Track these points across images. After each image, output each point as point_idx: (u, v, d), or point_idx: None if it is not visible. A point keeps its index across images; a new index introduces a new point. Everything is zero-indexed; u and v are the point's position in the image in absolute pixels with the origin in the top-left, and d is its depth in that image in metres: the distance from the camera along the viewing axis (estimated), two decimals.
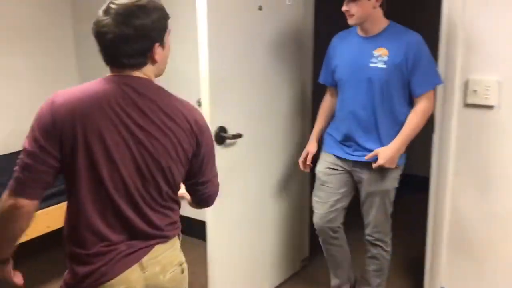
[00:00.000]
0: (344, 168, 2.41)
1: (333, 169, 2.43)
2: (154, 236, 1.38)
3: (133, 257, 1.34)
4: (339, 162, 2.41)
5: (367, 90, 2.23)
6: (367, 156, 2.24)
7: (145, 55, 1.32)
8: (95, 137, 1.25)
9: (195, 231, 3.17)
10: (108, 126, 1.26)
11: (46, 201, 2.64)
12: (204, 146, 1.42)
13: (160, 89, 1.37)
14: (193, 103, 2.98)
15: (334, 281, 2.65)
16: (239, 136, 2.31)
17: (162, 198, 1.38)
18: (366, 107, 2.25)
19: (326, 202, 2.45)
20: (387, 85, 2.20)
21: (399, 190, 2.44)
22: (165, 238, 1.42)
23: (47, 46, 3.68)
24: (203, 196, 1.53)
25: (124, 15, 1.25)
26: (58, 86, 3.36)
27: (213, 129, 2.17)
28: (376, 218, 2.39)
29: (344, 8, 2.17)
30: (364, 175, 2.34)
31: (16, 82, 3.53)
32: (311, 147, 2.51)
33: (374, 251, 2.48)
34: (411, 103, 2.25)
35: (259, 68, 2.51)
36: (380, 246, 2.45)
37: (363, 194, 2.40)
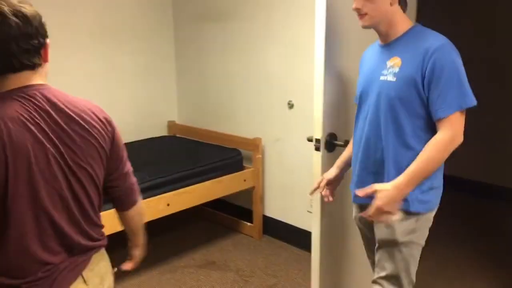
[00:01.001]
0: None
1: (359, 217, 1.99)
2: (91, 247, 1.38)
3: (74, 272, 1.33)
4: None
5: (375, 110, 1.78)
6: (361, 192, 1.72)
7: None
8: (24, 159, 1.19)
9: (299, 241, 3.24)
10: (33, 144, 1.20)
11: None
12: (117, 139, 1.43)
13: (63, 93, 1.32)
14: (284, 104, 2.98)
15: None
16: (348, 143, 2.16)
17: (92, 207, 1.37)
18: (372, 133, 1.80)
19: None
20: (397, 104, 1.70)
21: None
22: (99, 248, 1.42)
23: (150, 46, 3.92)
24: (131, 186, 1.52)
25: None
26: (158, 84, 3.65)
27: (323, 136, 2.15)
28: (388, 272, 1.83)
29: (354, 5, 1.73)
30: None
31: (122, 79, 3.78)
32: (328, 172, 2.07)
33: None
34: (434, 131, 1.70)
35: None
36: None
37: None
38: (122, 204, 1.53)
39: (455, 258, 3.26)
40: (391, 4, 1.70)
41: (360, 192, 1.71)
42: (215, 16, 3.68)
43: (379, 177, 1.78)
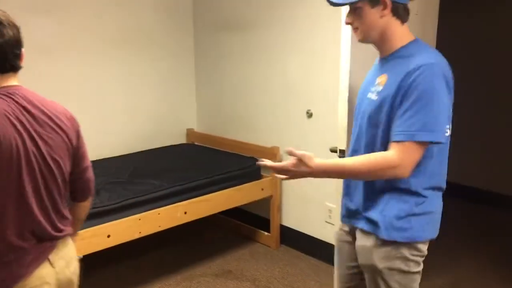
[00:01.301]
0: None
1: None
2: (58, 237, 1.50)
3: (42, 256, 1.45)
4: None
5: (359, 129, 1.70)
6: (262, 163, 1.62)
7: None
8: (10, 152, 1.31)
9: (317, 251, 3.21)
10: (15, 137, 1.33)
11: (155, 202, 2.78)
12: (81, 136, 1.57)
13: (35, 93, 1.48)
14: (303, 113, 2.95)
15: None
16: None
17: (61, 198, 1.50)
18: (356, 152, 1.70)
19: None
20: (374, 123, 1.59)
21: None
22: (66, 236, 1.54)
23: (170, 54, 3.95)
24: (88, 181, 1.67)
25: None
26: (178, 91, 3.68)
27: (346, 147, 2.08)
28: None
29: (346, 20, 1.65)
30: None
31: (142, 87, 3.82)
32: (313, 158, 1.61)
33: None
34: None
35: None
36: None
37: None
38: (82, 196, 1.67)
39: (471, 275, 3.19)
40: (382, 17, 1.56)
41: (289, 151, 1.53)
42: (235, 25, 3.69)
43: (355, 189, 1.70)
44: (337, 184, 3.09)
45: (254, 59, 3.59)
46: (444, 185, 1.64)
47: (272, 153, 3.40)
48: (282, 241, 3.54)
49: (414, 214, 1.57)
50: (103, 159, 3.48)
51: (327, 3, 1.64)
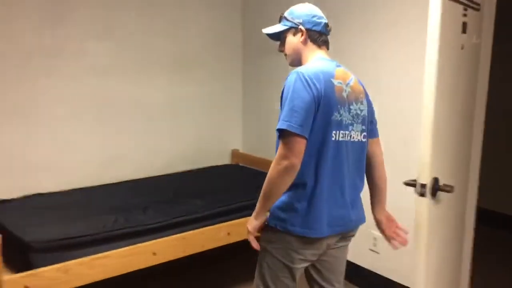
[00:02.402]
0: None
1: None
2: None
3: None
4: None
5: None
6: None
7: None
8: None
9: (359, 279, 3.12)
10: None
11: None
12: None
13: None
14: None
15: None
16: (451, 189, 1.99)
17: None
18: None
19: None
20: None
21: None
22: None
23: (218, 77, 4.03)
24: None
25: None
26: (224, 113, 3.78)
27: (431, 180, 1.94)
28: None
29: (278, 49, 2.00)
30: None
31: (189, 108, 3.90)
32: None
33: None
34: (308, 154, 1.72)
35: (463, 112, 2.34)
36: None
37: None
38: None
39: None
40: (300, 42, 1.87)
41: None
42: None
43: None
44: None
45: None
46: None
47: None
48: None
49: (292, 209, 1.78)
50: (149, 177, 3.56)
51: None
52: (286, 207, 1.78)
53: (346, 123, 1.77)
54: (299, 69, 1.75)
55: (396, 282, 3.03)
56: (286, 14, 1.92)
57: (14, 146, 3.05)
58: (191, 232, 2.73)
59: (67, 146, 3.28)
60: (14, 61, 2.99)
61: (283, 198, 1.78)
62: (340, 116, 1.75)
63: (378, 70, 2.99)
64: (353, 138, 1.82)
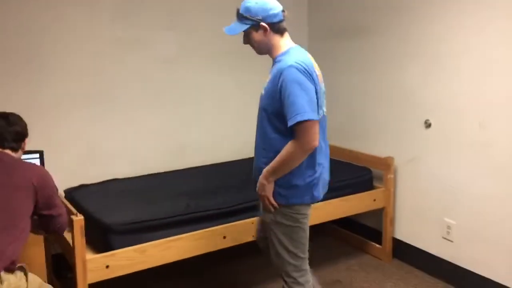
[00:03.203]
0: None
1: None
2: None
3: None
4: None
5: (259, 117, 2.22)
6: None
7: None
8: None
9: (432, 268, 3.11)
10: None
11: None
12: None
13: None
14: (421, 123, 2.83)
15: None
16: None
17: None
18: (256, 134, 2.24)
19: None
20: (263, 112, 2.14)
21: None
22: None
23: None
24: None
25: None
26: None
27: None
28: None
29: (243, 41, 2.17)
30: None
31: (252, 97, 3.75)
32: None
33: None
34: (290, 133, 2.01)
35: None
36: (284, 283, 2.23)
37: None
38: None
39: None
40: (264, 35, 2.07)
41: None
42: (350, 32, 3.66)
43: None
44: (460, 199, 2.93)
45: (369, 67, 3.52)
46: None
47: (386, 164, 3.31)
48: (395, 254, 3.42)
49: (291, 186, 2.09)
50: (219, 163, 3.65)
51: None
52: (288, 185, 2.07)
53: (321, 101, 2.11)
54: (293, 62, 1.98)
55: (470, 271, 2.92)
56: (243, 11, 2.07)
57: (92, 135, 3.23)
58: (259, 217, 2.77)
59: (141, 133, 3.42)
60: (92, 52, 3.16)
61: (290, 178, 2.06)
62: (321, 97, 2.09)
63: None
64: (324, 112, 2.17)
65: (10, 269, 1.86)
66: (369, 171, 3.42)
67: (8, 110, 2.22)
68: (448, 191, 3.01)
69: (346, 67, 3.74)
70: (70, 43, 3.07)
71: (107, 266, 2.33)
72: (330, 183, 2.30)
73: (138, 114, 3.39)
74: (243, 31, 2.10)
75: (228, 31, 2.12)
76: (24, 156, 2.53)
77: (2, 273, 1.81)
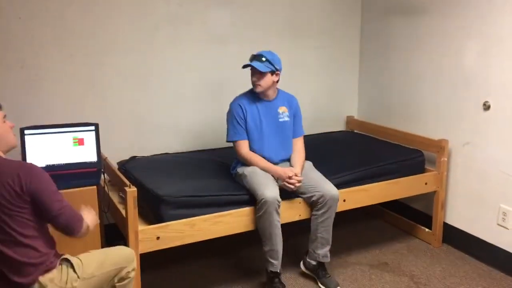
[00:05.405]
0: None
1: None
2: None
3: None
4: None
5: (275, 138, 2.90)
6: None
7: None
8: None
9: (484, 255, 3.07)
10: None
11: None
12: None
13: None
14: (479, 105, 2.72)
15: None
16: None
17: None
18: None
19: None
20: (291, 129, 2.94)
21: None
22: None
23: (334, 41, 3.96)
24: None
25: None
26: (340, 78, 3.76)
27: None
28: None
29: (253, 79, 2.76)
30: None
31: (305, 74, 3.92)
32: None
33: None
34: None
35: None
36: None
37: None
38: None
39: None
40: (273, 81, 2.77)
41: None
42: (405, 10, 3.53)
43: None
44: None
45: (425, 47, 3.39)
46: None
47: (440, 146, 3.20)
48: (445, 240, 3.33)
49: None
50: None
51: None
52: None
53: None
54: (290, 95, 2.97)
55: None
56: (269, 58, 2.70)
57: (144, 110, 3.29)
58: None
59: (191, 110, 3.47)
60: (145, 29, 3.20)
61: None
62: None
63: None
64: None
65: (48, 268, 1.84)
66: (421, 153, 3.32)
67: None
68: (505, 177, 2.89)
69: (399, 45, 3.62)
70: (120, 22, 3.12)
71: (158, 238, 2.39)
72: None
73: (189, 91, 3.43)
74: (263, 72, 2.69)
75: (256, 66, 2.68)
76: (80, 128, 2.62)
77: (40, 278, 1.81)
